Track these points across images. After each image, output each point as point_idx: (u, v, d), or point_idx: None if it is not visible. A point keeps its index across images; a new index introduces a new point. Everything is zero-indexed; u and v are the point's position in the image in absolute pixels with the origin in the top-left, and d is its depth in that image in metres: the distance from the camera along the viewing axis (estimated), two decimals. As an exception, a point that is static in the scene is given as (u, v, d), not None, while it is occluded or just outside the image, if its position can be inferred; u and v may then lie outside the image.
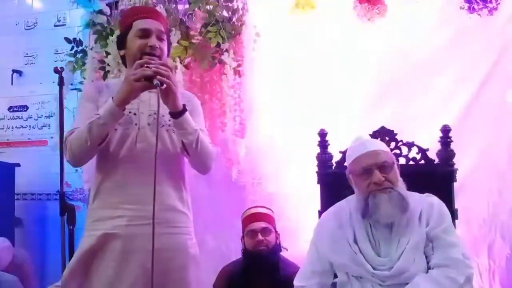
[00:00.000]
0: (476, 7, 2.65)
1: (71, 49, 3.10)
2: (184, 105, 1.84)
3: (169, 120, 1.87)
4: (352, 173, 1.98)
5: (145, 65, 1.76)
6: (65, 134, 1.91)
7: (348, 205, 2.04)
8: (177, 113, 1.82)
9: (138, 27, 1.91)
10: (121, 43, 1.98)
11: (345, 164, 2.08)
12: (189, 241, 1.96)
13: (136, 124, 1.88)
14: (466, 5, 2.68)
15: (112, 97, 1.78)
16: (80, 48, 3.08)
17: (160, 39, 1.92)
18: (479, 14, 2.68)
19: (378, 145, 2.03)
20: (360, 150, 1.96)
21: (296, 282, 2.01)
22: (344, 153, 2.34)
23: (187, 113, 1.84)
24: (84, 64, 3.03)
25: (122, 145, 1.87)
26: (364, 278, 1.88)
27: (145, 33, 1.90)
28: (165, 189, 1.89)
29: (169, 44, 2.03)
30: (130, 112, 1.86)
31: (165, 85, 1.74)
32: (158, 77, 1.73)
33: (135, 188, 1.86)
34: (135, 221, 1.84)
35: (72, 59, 3.10)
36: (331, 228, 2.00)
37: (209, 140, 1.97)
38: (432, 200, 1.97)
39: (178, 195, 1.95)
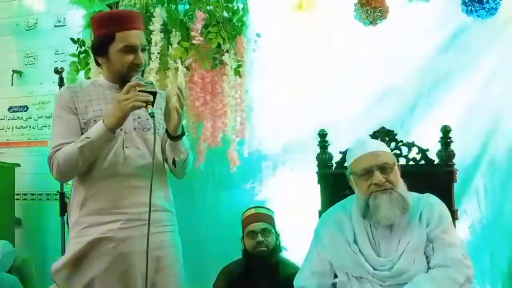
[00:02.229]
0: (473, 9, 2.65)
1: (76, 50, 3.10)
2: (182, 126, 1.90)
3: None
4: (352, 174, 1.98)
5: (137, 88, 1.76)
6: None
7: (348, 205, 2.04)
8: (175, 136, 1.89)
9: (124, 42, 1.87)
10: (101, 50, 1.91)
11: (346, 164, 2.08)
12: (177, 237, 2.05)
13: (121, 129, 1.88)
14: (464, 8, 2.68)
15: (103, 120, 1.79)
16: (83, 48, 3.08)
17: (143, 50, 1.93)
18: (478, 16, 2.68)
19: (379, 145, 2.04)
20: (360, 151, 1.97)
21: (296, 283, 2.02)
22: (344, 153, 2.34)
23: (184, 137, 1.92)
24: (87, 64, 3.03)
25: (109, 150, 1.88)
26: (364, 278, 1.89)
27: (131, 49, 1.88)
28: (153, 190, 1.89)
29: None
30: None
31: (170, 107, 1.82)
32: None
33: (125, 191, 1.89)
34: (129, 223, 1.88)
35: (75, 59, 3.10)
36: (331, 228, 2.00)
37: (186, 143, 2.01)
38: (432, 201, 1.98)
39: (164, 195, 2.01)
